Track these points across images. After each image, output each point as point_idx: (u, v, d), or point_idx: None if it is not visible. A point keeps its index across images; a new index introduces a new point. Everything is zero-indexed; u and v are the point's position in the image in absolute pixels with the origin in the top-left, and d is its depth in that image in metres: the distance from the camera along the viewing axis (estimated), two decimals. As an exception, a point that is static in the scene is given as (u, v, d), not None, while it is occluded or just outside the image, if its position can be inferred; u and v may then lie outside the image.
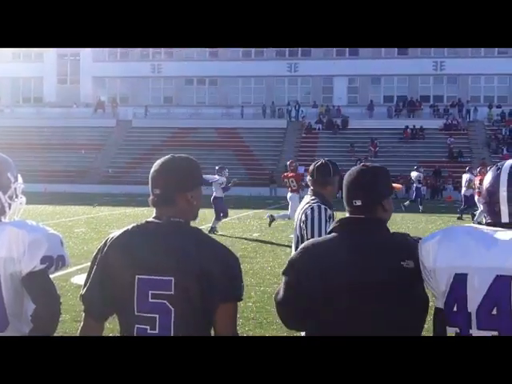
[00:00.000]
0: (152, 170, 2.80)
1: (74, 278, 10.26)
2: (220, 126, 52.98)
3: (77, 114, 56.41)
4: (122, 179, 46.95)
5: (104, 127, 54.81)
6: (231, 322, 2.67)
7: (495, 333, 2.38)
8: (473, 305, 2.42)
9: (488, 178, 2.63)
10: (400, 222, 22.45)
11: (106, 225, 19.81)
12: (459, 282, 2.46)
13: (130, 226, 2.78)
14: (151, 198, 2.79)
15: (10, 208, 3.05)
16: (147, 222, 2.77)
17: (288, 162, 19.73)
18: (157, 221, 2.75)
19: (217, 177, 3.45)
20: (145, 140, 51.95)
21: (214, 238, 2.80)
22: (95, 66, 59.87)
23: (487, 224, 2.59)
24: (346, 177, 2.90)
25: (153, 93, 60.15)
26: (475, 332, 2.42)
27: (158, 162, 2.81)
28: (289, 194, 18.31)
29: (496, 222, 2.54)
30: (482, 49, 55.16)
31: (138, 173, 46.98)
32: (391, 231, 2.85)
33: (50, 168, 47.73)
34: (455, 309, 2.47)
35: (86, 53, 59.82)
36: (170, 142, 49.79)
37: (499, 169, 2.63)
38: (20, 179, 3.13)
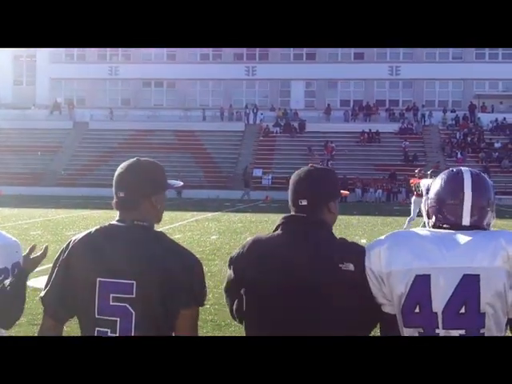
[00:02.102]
0: (116, 173, 2.77)
1: (31, 280, 10.17)
2: (178, 129, 52.82)
3: (33, 115, 55.69)
4: (79, 181, 46.54)
5: (61, 129, 54.20)
6: (192, 327, 2.67)
7: (462, 331, 2.44)
8: (438, 305, 2.46)
9: (447, 182, 2.66)
10: (356, 225, 22.73)
11: (63, 227, 19.64)
12: (421, 283, 2.48)
13: (93, 229, 2.76)
14: (115, 200, 2.77)
15: None
16: (111, 224, 2.75)
17: (417, 170, 20.95)
18: (120, 224, 2.73)
19: (181, 182, 3.30)
20: (102, 142, 51.55)
21: (178, 243, 2.78)
22: (52, 68, 59.17)
23: (435, 227, 2.65)
24: (294, 177, 2.86)
25: (110, 95, 59.66)
26: (441, 332, 2.45)
27: (122, 165, 2.79)
28: (413, 198, 20.08)
29: (453, 224, 2.59)
30: (437, 54, 56.01)
31: (95, 175, 46.62)
32: (339, 236, 2.82)
33: (5, 170, 47.03)
34: (417, 310, 2.49)
35: (42, 54, 59.11)
36: (128, 145, 49.48)
37: (459, 173, 2.67)
38: None
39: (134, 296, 2.60)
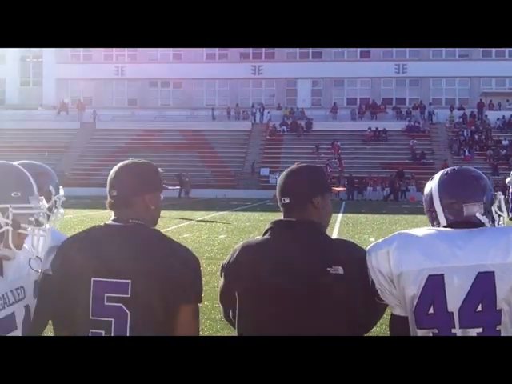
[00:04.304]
0: (110, 173, 2.78)
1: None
2: (185, 128, 52.88)
3: (40, 116, 55.80)
4: (87, 181, 46.60)
5: (68, 129, 54.33)
6: (194, 324, 2.65)
7: (480, 330, 2.42)
8: (454, 304, 2.44)
9: (454, 184, 2.66)
10: (364, 223, 22.69)
11: (71, 227, 19.59)
12: (434, 283, 2.46)
13: (86, 229, 2.76)
14: (108, 200, 2.76)
15: (48, 219, 3.05)
16: (106, 224, 2.74)
17: None
18: (115, 223, 2.72)
19: (177, 187, 3.29)
20: (109, 142, 51.64)
21: (173, 240, 2.74)
22: (58, 68, 59.29)
23: (444, 226, 2.62)
24: (279, 176, 2.88)
25: (117, 95, 59.79)
26: (458, 331, 2.44)
27: (116, 166, 2.80)
28: None
29: (458, 223, 2.58)
30: (444, 51, 55.90)
31: (103, 175, 46.60)
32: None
33: (12, 171, 47.17)
34: (431, 311, 2.47)
35: (48, 54, 59.25)
36: (135, 145, 49.58)
37: (473, 174, 2.67)
38: (61, 191, 3.11)
39: (129, 296, 2.56)
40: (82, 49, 59.15)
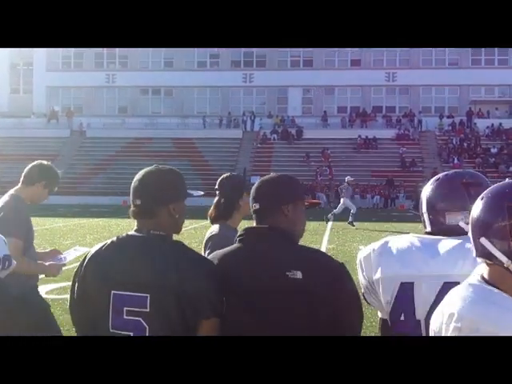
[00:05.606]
0: (134, 180, 2.71)
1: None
2: (175, 136, 52.84)
3: (30, 124, 55.65)
4: (77, 190, 46.47)
5: (58, 137, 54.18)
6: None
7: None
8: (421, 313, 2.47)
9: (439, 191, 2.68)
10: (354, 231, 22.73)
11: (61, 236, 19.57)
12: (405, 290, 2.50)
13: (109, 240, 2.70)
14: (132, 209, 2.69)
15: None
16: (128, 235, 2.69)
17: None
18: (137, 234, 2.67)
19: (201, 192, 3.22)
20: (99, 150, 51.54)
21: (196, 252, 2.70)
22: (49, 76, 59.17)
23: (427, 233, 2.67)
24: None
25: (107, 103, 59.71)
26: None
27: (140, 173, 2.72)
28: None
29: (441, 230, 2.61)
30: (433, 60, 56.15)
31: (93, 183, 46.60)
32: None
33: (2, 179, 46.99)
34: (402, 317, 2.51)
35: (39, 62, 59.17)
36: (125, 153, 49.51)
37: (450, 180, 2.70)
38: None
39: (147, 310, 2.53)
40: (72, 56, 59.11)
